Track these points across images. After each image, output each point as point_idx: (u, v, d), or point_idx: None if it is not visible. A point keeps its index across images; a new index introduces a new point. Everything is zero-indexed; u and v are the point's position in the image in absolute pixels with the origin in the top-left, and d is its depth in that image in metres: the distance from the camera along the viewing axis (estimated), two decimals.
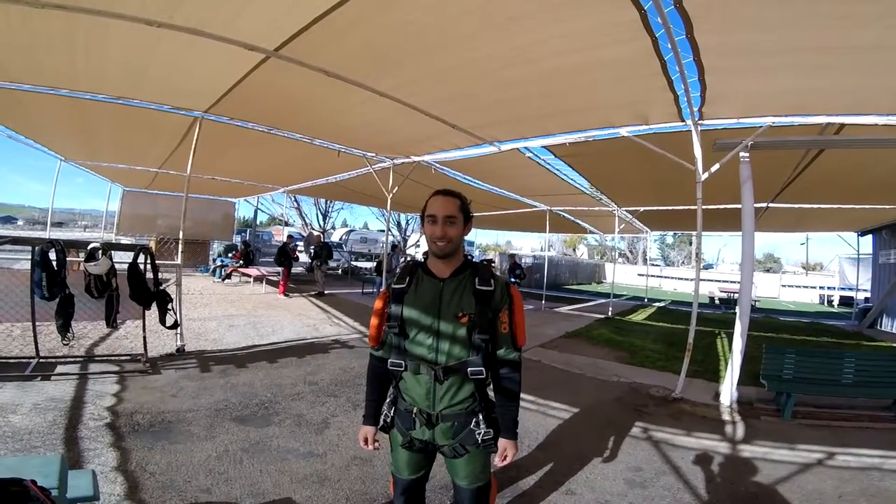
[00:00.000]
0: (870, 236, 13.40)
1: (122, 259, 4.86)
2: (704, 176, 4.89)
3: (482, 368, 1.60)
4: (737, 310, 4.95)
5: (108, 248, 4.41)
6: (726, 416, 4.40)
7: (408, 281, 1.69)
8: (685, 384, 5.01)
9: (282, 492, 2.65)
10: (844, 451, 3.64)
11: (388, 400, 1.77)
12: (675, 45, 3.28)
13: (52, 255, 4.16)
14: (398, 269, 1.78)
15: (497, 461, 1.66)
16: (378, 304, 1.73)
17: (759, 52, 3.37)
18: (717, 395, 4.97)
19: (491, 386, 1.71)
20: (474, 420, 1.64)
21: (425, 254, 1.75)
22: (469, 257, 1.77)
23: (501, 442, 1.67)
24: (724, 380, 5.28)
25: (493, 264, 1.78)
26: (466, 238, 1.78)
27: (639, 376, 5.87)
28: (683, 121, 4.70)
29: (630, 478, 3.08)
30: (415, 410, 1.65)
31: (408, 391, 1.68)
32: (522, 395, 1.64)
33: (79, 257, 4.56)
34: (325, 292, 11.70)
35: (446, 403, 1.62)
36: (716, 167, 4.87)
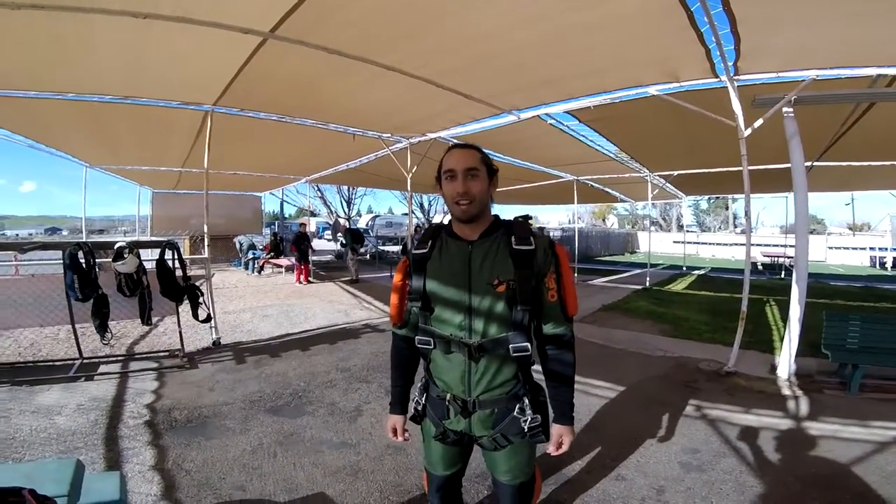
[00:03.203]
0: None
1: (152, 257, 4.91)
2: (748, 132, 4.48)
3: (527, 344, 1.33)
4: (793, 274, 4.55)
5: (134, 246, 4.42)
6: (786, 391, 4.08)
7: (430, 245, 1.44)
8: (737, 356, 4.68)
9: (315, 486, 2.57)
10: None
11: (418, 385, 1.56)
12: None
13: (81, 258, 4.20)
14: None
15: (552, 450, 1.44)
16: (397, 275, 1.51)
17: (791, 3, 3.02)
18: (774, 367, 4.63)
19: (535, 365, 1.45)
20: (518, 406, 1.39)
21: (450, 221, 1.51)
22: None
23: (556, 428, 1.44)
24: (779, 351, 4.95)
25: (530, 221, 1.48)
26: None
27: (685, 349, 5.56)
28: (717, 76, 4.31)
29: (686, 460, 2.86)
30: (448, 397, 1.43)
31: (440, 375, 1.45)
32: (534, 369, 1.43)
33: (107, 258, 4.61)
34: (358, 278, 11.73)
35: (484, 387, 1.38)
36: (759, 122, 4.46)
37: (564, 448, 1.44)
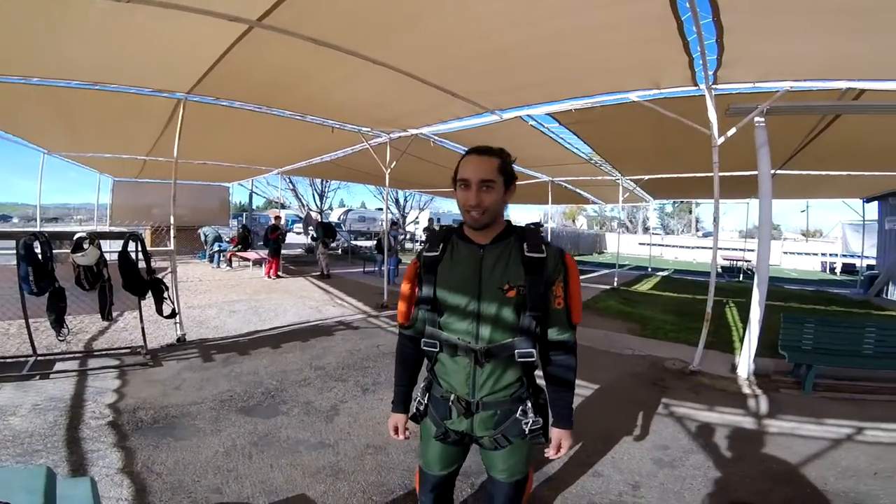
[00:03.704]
0: (875, 203, 13.17)
1: (114, 249, 4.67)
2: (721, 140, 4.65)
3: (532, 350, 1.36)
4: (755, 278, 4.77)
5: (95, 237, 4.19)
6: (746, 390, 4.29)
7: (441, 248, 1.45)
8: (701, 356, 4.86)
9: (295, 487, 2.52)
10: (873, 425, 3.52)
11: (421, 385, 1.57)
12: (694, 4, 3.01)
13: (37, 249, 3.95)
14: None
15: (551, 453, 1.48)
16: (408, 274, 1.52)
17: (781, 13, 3.12)
18: (734, 366, 4.85)
19: (538, 369, 1.48)
20: (521, 408, 1.42)
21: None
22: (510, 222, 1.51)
23: (557, 432, 1.48)
24: (739, 351, 5.17)
25: (541, 228, 1.50)
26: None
27: (653, 348, 5.76)
28: (697, 85, 4.43)
29: (658, 457, 2.96)
30: (452, 398, 1.44)
31: (444, 376, 1.47)
32: (535, 373, 1.46)
33: (66, 249, 4.34)
34: (329, 273, 11.48)
35: (489, 389, 1.41)
36: (732, 131, 4.62)
37: (564, 450, 1.48)
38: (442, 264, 1.44)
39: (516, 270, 1.37)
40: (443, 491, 1.63)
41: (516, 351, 1.36)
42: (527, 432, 1.41)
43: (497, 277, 1.37)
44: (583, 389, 4.14)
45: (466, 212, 1.38)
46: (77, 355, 4.55)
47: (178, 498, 2.37)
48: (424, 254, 1.48)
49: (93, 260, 4.17)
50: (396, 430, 1.60)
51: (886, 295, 11.91)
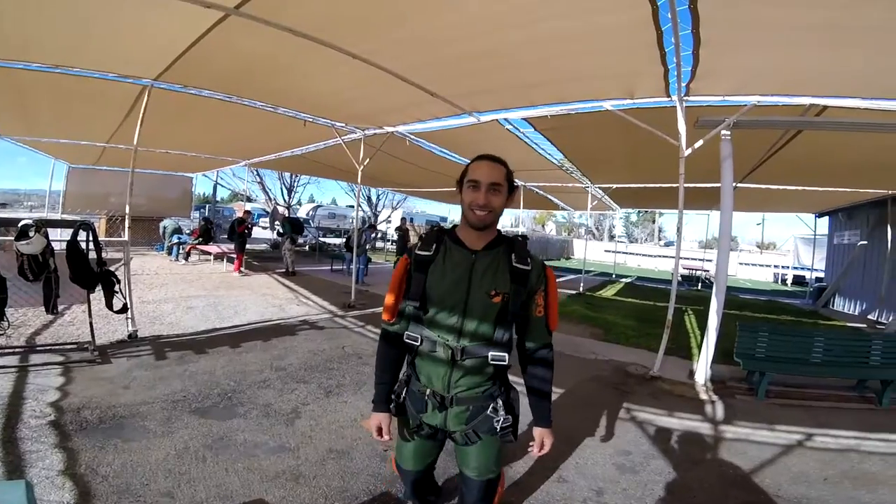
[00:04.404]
0: (826, 218, 13.97)
1: (63, 237, 4.37)
2: (688, 152, 4.80)
3: (505, 355, 1.47)
4: (713, 287, 4.94)
5: (42, 224, 3.90)
6: (703, 396, 4.42)
7: (434, 249, 1.53)
8: (661, 362, 5.00)
9: (252, 492, 2.41)
10: (822, 431, 3.69)
11: (401, 379, 1.64)
12: (676, 15, 3.06)
13: None
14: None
15: (535, 451, 1.57)
16: (397, 272, 1.57)
17: (758, 28, 3.21)
18: (692, 372, 5.00)
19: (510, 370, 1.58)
20: (492, 405, 1.52)
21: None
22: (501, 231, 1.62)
23: (539, 431, 1.58)
24: (697, 357, 5.35)
25: (527, 240, 1.61)
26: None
27: (615, 353, 5.88)
28: (669, 96, 4.54)
29: (620, 462, 3.00)
30: (428, 392, 1.53)
31: (423, 371, 1.56)
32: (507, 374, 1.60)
33: (9, 236, 4.04)
34: (294, 271, 11.15)
35: (463, 387, 1.51)
36: (699, 143, 4.77)
37: (546, 448, 1.57)
38: (434, 265, 1.51)
39: (504, 278, 1.47)
40: (422, 479, 1.74)
41: (491, 353, 1.46)
42: (497, 429, 1.51)
43: (487, 283, 1.47)
44: None
45: (473, 211, 1.46)
46: (17, 350, 4.24)
47: (125, 501, 2.23)
48: (417, 252, 1.53)
49: (38, 249, 3.88)
50: (380, 431, 1.60)
51: (832, 306, 12.66)
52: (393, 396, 1.60)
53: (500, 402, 1.51)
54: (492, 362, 1.47)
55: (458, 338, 1.47)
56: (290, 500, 2.37)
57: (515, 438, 1.57)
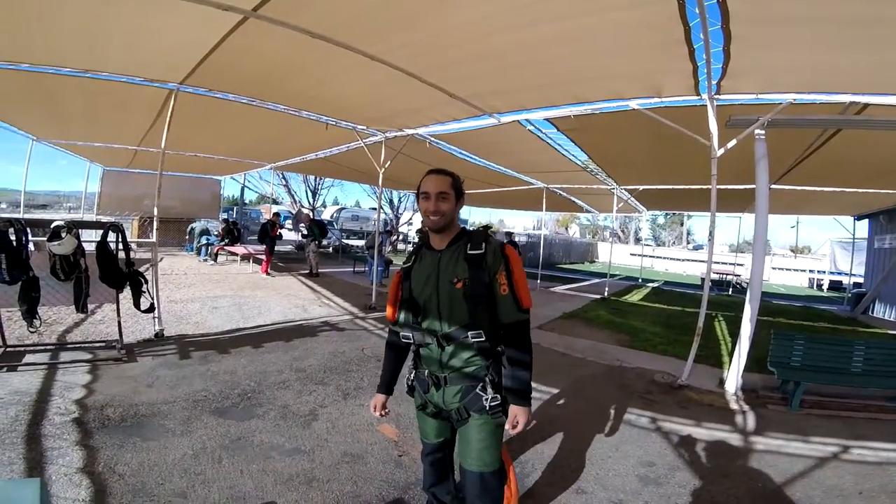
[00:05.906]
0: (866, 221, 13.28)
1: (94, 238, 4.51)
2: (720, 152, 4.59)
3: (480, 331, 1.63)
4: (747, 293, 4.72)
5: (73, 226, 4.04)
6: (734, 405, 4.22)
7: (413, 259, 1.82)
8: (690, 370, 4.80)
9: (265, 495, 2.40)
10: (859, 444, 3.47)
11: (409, 366, 1.88)
12: (704, 11, 2.95)
13: (12, 235, 3.80)
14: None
15: (508, 428, 1.65)
16: (393, 282, 1.87)
17: (791, 23, 3.05)
18: (722, 381, 4.79)
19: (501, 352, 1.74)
20: (480, 385, 1.66)
21: (418, 231, 1.65)
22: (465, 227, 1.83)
23: (512, 409, 1.66)
24: (727, 366, 5.12)
25: (490, 230, 1.82)
26: (461, 216, 1.63)
27: (641, 361, 5.69)
28: (699, 94, 4.37)
29: (643, 474, 2.87)
30: (426, 373, 1.75)
31: (423, 358, 1.77)
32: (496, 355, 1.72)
33: (42, 237, 4.19)
34: (318, 272, 11.28)
35: (453, 367, 1.68)
36: (732, 143, 4.55)
37: (520, 427, 1.63)
38: (413, 271, 1.78)
39: (462, 266, 1.65)
40: (438, 458, 1.89)
41: (469, 333, 1.63)
42: (487, 408, 1.63)
43: (449, 273, 1.67)
44: (567, 400, 4.06)
45: (427, 216, 1.70)
46: (48, 348, 4.40)
47: (139, 500, 2.26)
48: (402, 266, 1.85)
49: (69, 249, 4.02)
50: (375, 408, 1.90)
51: (872, 313, 12.00)
52: (406, 380, 1.88)
53: (487, 381, 1.65)
54: (472, 340, 1.63)
55: (440, 326, 1.67)
56: (303, 503, 2.35)
57: (506, 416, 1.65)
